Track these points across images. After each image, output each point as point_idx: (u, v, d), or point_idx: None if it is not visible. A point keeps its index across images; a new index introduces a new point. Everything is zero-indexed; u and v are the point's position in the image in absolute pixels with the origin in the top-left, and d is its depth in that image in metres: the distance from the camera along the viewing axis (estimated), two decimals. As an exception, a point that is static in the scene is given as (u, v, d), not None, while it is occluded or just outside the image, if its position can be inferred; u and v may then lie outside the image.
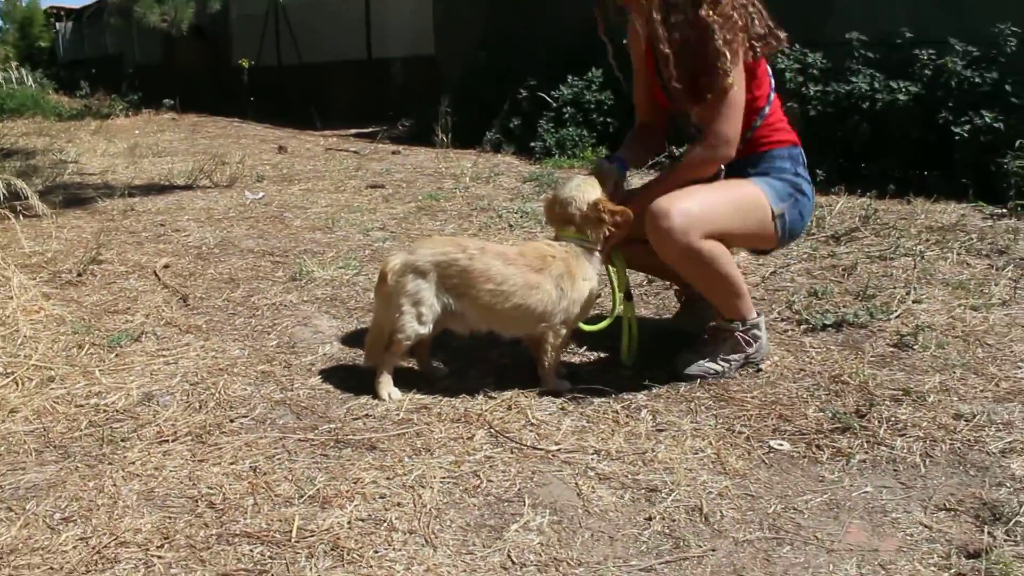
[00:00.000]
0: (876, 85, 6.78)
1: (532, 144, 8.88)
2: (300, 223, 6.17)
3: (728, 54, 3.07)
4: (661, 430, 2.95)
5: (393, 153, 9.76)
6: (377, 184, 7.61)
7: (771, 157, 3.31)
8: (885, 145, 6.74)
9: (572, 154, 8.59)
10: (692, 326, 3.72)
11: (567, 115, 8.77)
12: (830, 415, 2.98)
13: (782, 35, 3.22)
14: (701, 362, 3.36)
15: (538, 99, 9.10)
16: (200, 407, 3.20)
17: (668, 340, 3.64)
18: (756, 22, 3.17)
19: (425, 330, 3.18)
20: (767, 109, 3.29)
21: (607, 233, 3.19)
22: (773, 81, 3.35)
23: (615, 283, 3.45)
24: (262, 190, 7.46)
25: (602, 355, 3.62)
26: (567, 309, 3.17)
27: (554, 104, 8.88)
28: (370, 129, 12.35)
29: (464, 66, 10.75)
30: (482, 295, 3.11)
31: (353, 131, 12.43)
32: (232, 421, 3.09)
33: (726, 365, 3.36)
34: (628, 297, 3.45)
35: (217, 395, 3.29)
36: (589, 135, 8.71)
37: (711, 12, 3.07)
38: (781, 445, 2.83)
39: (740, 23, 3.11)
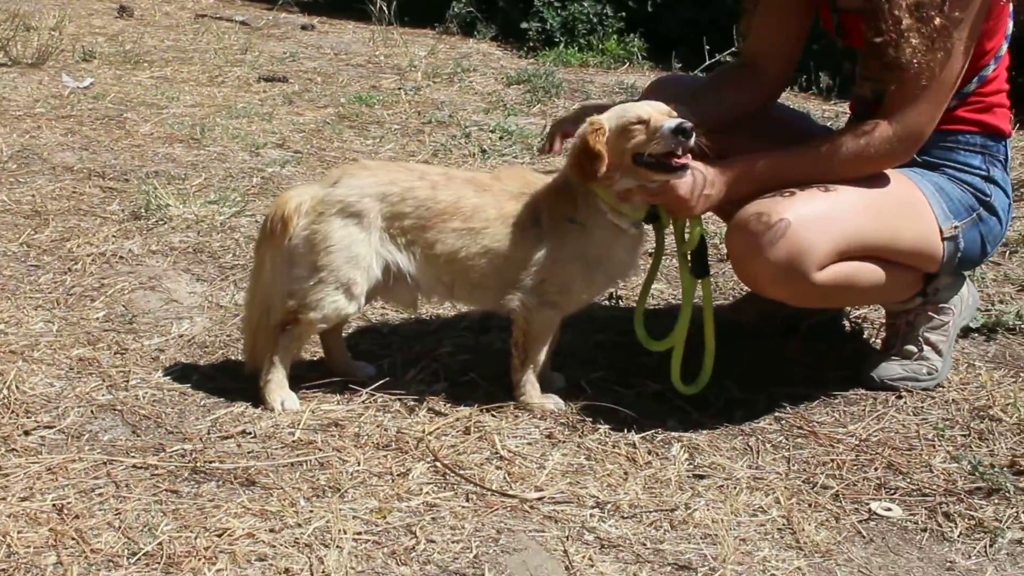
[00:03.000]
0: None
1: (524, 25, 8.88)
2: (150, 130, 6.14)
3: None
4: (701, 476, 2.98)
5: (303, 28, 9.72)
6: (276, 76, 7.59)
7: (955, 143, 3.32)
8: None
9: (586, 43, 8.59)
10: (760, 318, 3.74)
11: (581, -20, 8.80)
12: (968, 468, 3.02)
13: None
14: (891, 364, 3.46)
15: (537, -48, 9.11)
16: (-22, 410, 3.21)
17: (726, 341, 3.62)
18: None
19: (354, 307, 3.21)
20: (990, 70, 3.29)
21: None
22: (1012, 26, 3.30)
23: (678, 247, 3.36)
24: (90, 75, 7.41)
25: (620, 355, 3.65)
26: (544, 268, 3.16)
27: (561, -38, 8.90)
28: (268, -13, 12.29)
29: None
30: (446, 238, 3.15)
31: (241, -11, 12.36)
32: (28, 434, 3.09)
33: (934, 356, 3.43)
34: (699, 272, 3.32)
35: (5, 393, 3.29)
36: (615, 14, 8.72)
37: None
38: (889, 510, 2.87)
39: None
